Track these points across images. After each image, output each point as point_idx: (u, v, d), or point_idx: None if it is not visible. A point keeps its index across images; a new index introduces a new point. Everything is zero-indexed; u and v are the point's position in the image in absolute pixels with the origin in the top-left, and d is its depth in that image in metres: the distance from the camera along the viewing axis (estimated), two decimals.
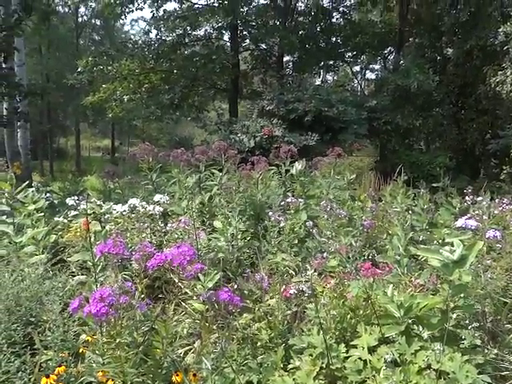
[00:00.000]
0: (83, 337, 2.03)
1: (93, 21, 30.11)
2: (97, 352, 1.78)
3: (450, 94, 16.42)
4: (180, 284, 2.00)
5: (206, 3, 16.39)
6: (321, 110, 12.24)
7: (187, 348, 2.13)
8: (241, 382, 1.77)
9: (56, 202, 4.64)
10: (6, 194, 3.31)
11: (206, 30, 16.59)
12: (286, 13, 16.76)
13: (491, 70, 13.04)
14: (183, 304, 2.26)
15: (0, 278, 2.40)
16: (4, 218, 3.35)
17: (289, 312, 2.21)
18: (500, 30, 11.67)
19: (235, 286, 2.42)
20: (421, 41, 17.58)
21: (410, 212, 3.30)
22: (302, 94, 12.88)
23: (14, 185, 3.35)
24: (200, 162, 4.39)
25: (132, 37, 22.73)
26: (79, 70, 14.96)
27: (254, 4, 16.54)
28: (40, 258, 2.91)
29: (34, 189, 3.88)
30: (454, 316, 1.92)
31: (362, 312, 2.08)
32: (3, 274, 2.47)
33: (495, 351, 1.91)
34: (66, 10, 28.00)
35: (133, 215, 3.49)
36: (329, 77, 24.85)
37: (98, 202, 3.89)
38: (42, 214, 3.58)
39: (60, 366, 1.86)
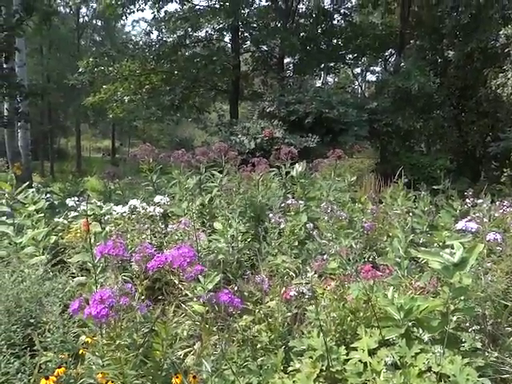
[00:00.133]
0: (83, 338, 2.02)
1: (94, 21, 30.13)
2: (97, 354, 1.78)
3: (450, 97, 16.44)
4: (180, 286, 2.00)
5: (207, 4, 16.44)
6: (321, 112, 12.26)
7: (187, 350, 2.13)
8: None
9: (56, 202, 4.64)
10: (6, 195, 3.31)
11: (207, 32, 16.60)
12: (287, 14, 16.80)
13: (492, 72, 13.07)
14: (183, 306, 2.25)
15: (0, 279, 2.40)
16: (4, 218, 3.35)
17: (289, 314, 2.21)
18: (501, 32, 11.72)
19: (235, 288, 2.41)
20: (422, 43, 17.57)
21: (411, 214, 3.31)
22: (302, 96, 12.91)
23: (15, 185, 3.36)
24: (200, 163, 4.40)
25: (133, 38, 22.71)
26: (80, 70, 14.99)
27: (255, 6, 16.57)
28: (40, 259, 2.91)
29: (34, 189, 3.87)
30: (455, 319, 1.92)
31: (362, 314, 2.07)
32: (3, 274, 2.47)
33: (496, 354, 1.90)
34: (68, 10, 28.13)
35: (133, 216, 3.49)
36: (329, 79, 24.90)
37: (99, 203, 3.90)
38: (42, 214, 3.57)
39: (60, 367, 1.86)
